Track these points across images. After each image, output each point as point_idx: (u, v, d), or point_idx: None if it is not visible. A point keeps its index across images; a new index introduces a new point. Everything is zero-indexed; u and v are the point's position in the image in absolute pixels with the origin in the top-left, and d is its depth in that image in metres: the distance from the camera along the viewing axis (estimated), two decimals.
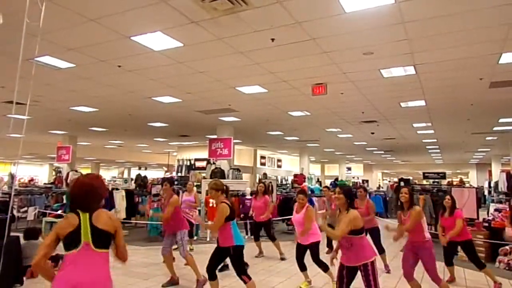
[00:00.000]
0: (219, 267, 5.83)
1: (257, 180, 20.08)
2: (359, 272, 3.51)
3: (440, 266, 6.57)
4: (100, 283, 2.23)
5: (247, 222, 9.70)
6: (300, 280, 5.53)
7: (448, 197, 5.72)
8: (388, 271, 6.22)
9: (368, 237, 4.91)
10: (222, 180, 10.62)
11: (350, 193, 3.64)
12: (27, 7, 3.11)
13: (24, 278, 5.30)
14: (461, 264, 6.52)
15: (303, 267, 5.31)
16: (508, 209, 7.55)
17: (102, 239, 2.31)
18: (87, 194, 2.39)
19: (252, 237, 9.16)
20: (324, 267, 5.18)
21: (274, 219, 9.74)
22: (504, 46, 5.41)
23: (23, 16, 3.10)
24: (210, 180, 11.05)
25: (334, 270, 4.00)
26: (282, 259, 7.21)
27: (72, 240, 2.26)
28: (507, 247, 6.80)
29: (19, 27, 3.07)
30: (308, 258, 5.25)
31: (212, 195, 4.37)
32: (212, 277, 4.37)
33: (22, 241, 5.64)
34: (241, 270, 4.29)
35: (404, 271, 4.58)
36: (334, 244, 4.45)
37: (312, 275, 5.48)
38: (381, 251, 6.24)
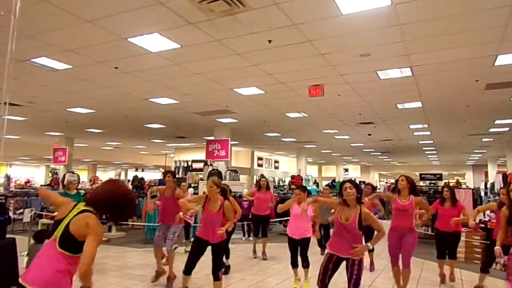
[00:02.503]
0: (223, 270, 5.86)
1: (256, 180, 20.05)
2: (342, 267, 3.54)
3: (431, 265, 6.61)
4: (43, 282, 2.10)
5: (244, 224, 9.69)
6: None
7: (446, 188, 5.78)
8: (372, 270, 6.37)
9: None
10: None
11: (359, 187, 3.63)
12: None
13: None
14: (457, 265, 6.54)
15: (296, 264, 5.36)
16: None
17: (67, 241, 2.19)
18: (119, 206, 2.34)
19: (250, 238, 9.18)
20: (307, 263, 5.29)
21: (272, 220, 9.74)
22: (500, 48, 5.45)
23: (22, 17, 3.08)
24: (207, 181, 11.05)
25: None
26: (264, 259, 7.27)
27: (53, 228, 2.27)
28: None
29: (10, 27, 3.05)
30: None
31: (212, 189, 4.39)
32: (189, 272, 4.44)
33: (26, 244, 5.66)
34: (220, 265, 4.49)
35: (391, 252, 4.73)
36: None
37: (308, 276, 5.48)
38: (371, 249, 6.32)
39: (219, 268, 4.43)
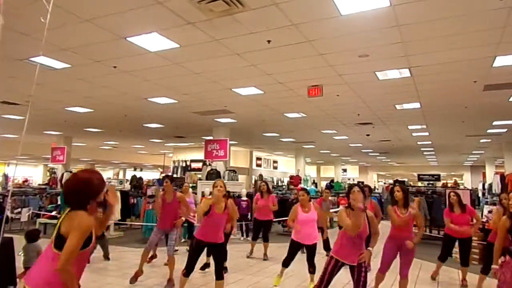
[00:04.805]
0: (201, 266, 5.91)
1: (255, 180, 20.07)
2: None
3: (430, 266, 6.61)
4: (39, 282, 2.15)
5: (242, 224, 9.69)
6: (295, 282, 5.53)
7: (452, 193, 5.75)
8: (369, 270, 6.39)
9: None
10: None
11: (365, 192, 3.71)
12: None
13: (18, 280, 5.26)
14: (455, 265, 6.55)
15: (288, 264, 5.40)
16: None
17: (60, 242, 2.18)
18: (79, 190, 2.30)
19: (248, 238, 9.17)
20: (314, 269, 5.29)
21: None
22: (498, 49, 5.46)
23: (19, 16, 3.08)
24: (206, 181, 11.07)
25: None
26: (265, 260, 7.30)
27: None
28: None
29: (10, 27, 3.05)
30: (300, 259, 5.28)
31: (221, 191, 4.47)
32: (189, 274, 4.52)
33: (23, 243, 5.63)
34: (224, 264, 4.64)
35: (385, 261, 4.67)
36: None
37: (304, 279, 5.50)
38: None
39: (223, 268, 4.53)
